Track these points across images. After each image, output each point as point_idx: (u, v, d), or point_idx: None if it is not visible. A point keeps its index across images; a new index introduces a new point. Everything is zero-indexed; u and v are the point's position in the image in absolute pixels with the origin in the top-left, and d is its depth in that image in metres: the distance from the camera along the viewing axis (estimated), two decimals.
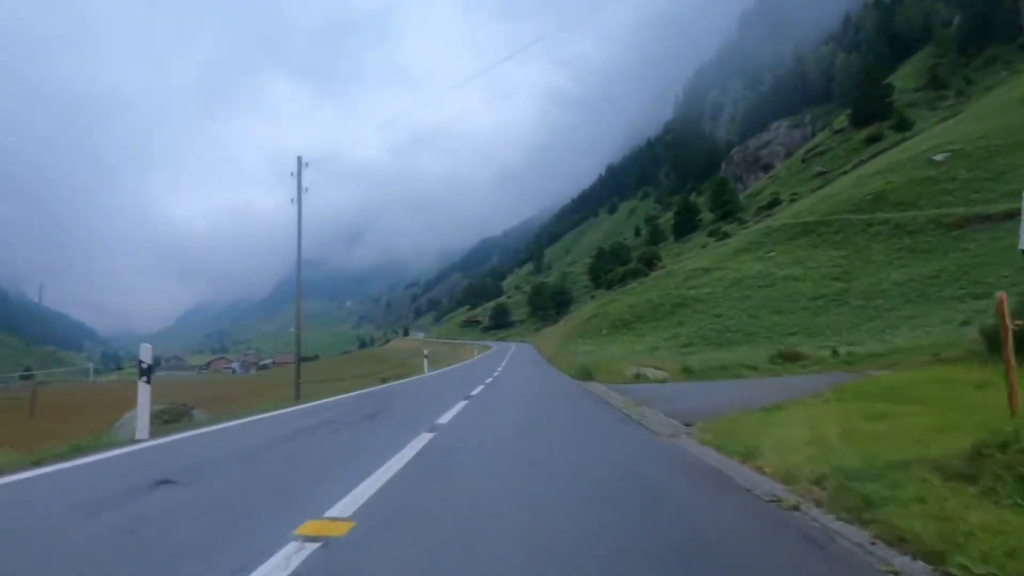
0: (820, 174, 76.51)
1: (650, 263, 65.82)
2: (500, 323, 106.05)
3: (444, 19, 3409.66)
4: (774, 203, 71.60)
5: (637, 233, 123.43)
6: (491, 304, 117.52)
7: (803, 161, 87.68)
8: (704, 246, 67.06)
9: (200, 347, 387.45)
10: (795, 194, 71.35)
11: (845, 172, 68.60)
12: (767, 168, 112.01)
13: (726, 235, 64.68)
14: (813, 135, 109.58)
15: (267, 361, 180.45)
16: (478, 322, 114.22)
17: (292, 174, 18.36)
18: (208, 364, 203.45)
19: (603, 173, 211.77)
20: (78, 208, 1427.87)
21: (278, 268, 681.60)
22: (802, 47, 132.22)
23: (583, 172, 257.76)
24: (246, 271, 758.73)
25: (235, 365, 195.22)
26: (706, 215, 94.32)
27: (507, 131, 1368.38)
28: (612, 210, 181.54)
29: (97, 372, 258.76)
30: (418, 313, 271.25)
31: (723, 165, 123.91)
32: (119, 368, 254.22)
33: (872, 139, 77.73)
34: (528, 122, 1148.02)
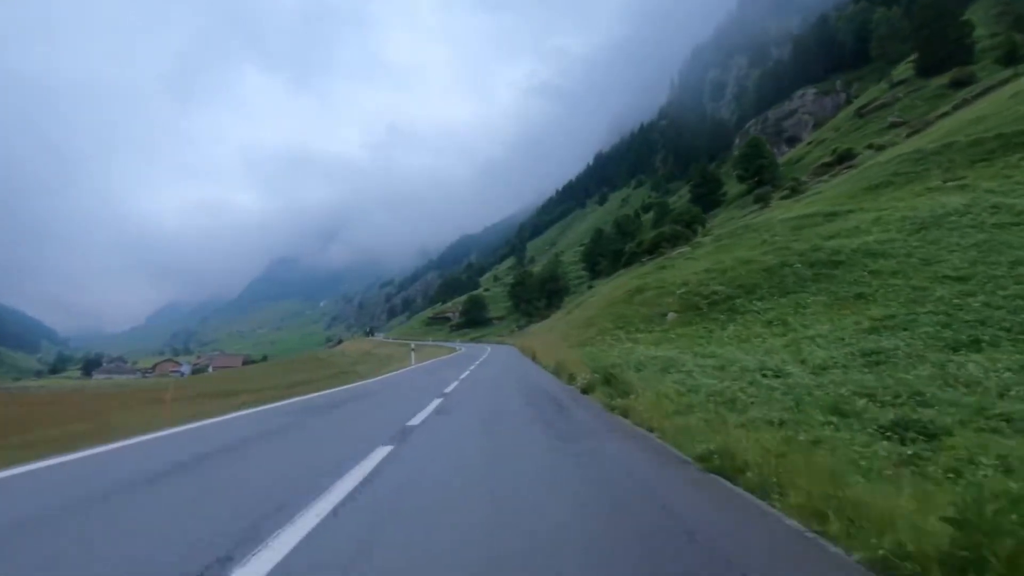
0: (895, 124, 56.79)
1: (690, 225, 45.18)
2: (474, 320, 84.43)
3: (424, 10, 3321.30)
4: (846, 156, 51.44)
5: (637, 217, 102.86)
6: (463, 298, 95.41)
7: (860, 116, 67.93)
8: (762, 208, 46.47)
9: (165, 348, 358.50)
10: (873, 145, 51.40)
11: (945, 113, 48.97)
12: (792, 140, 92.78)
13: (795, 191, 44.30)
14: (849, 100, 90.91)
15: (210, 362, 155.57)
16: (447, 319, 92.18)
17: None
18: (154, 367, 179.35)
19: (591, 163, 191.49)
20: (38, 202, 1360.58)
21: (250, 267, 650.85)
22: (816, 14, 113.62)
23: (567, 166, 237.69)
24: (218, 270, 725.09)
25: (184, 368, 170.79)
26: (732, 186, 74.23)
27: (488, 125, 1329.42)
28: (602, 200, 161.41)
29: (38, 375, 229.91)
30: (392, 313, 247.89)
31: (737, 140, 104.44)
32: (54, 372, 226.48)
33: (958, 83, 58.30)
34: (510, 115, 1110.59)
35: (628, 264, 42.18)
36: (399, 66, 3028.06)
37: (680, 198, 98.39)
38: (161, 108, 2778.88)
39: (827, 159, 56.62)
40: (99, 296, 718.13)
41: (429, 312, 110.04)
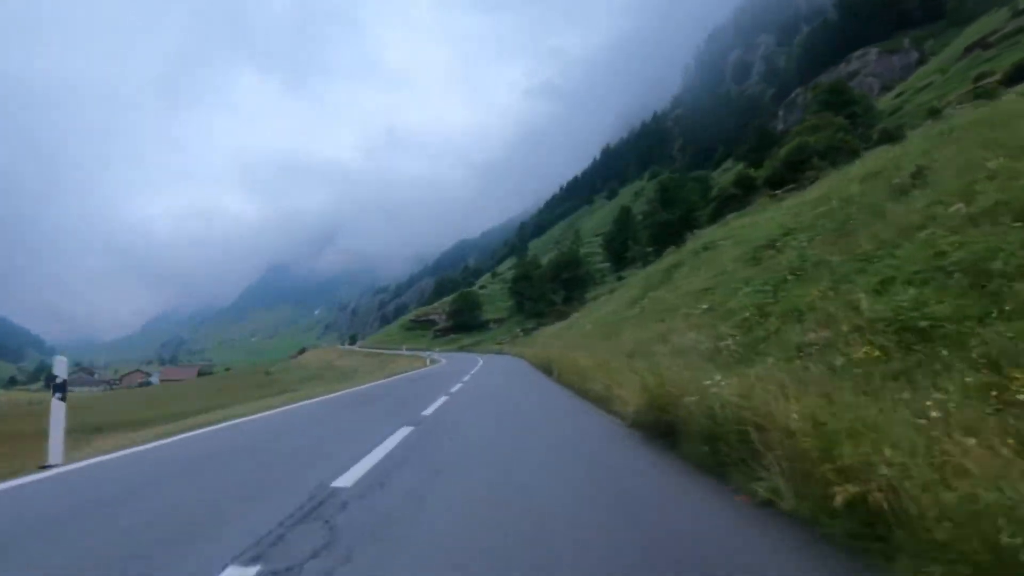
0: None
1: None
2: (465, 323, 65.41)
3: (420, 11, 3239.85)
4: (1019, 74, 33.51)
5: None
6: (450, 297, 75.63)
7: (985, 48, 50.15)
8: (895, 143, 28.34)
9: (155, 356, 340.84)
10: None
11: None
12: None
13: (987, 94, 26.33)
14: (922, 57, 74.17)
15: (151, 375, 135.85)
16: (431, 322, 73.05)
17: None
18: (121, 378, 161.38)
19: (597, 157, 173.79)
20: (27, 208, 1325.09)
21: (245, 274, 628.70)
22: None
23: (569, 166, 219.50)
24: (212, 277, 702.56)
25: (154, 379, 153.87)
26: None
27: (486, 127, 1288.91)
28: (611, 195, 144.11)
29: (7, 385, 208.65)
30: (384, 320, 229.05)
31: (781, 112, 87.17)
32: (12, 383, 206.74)
33: None
34: (508, 117, 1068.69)
35: (718, 217, 24.20)
36: (395, 68, 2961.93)
37: (718, 177, 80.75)
38: (151, 111, 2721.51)
39: (971, 87, 38.74)
40: (93, 305, 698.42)
41: (410, 315, 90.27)
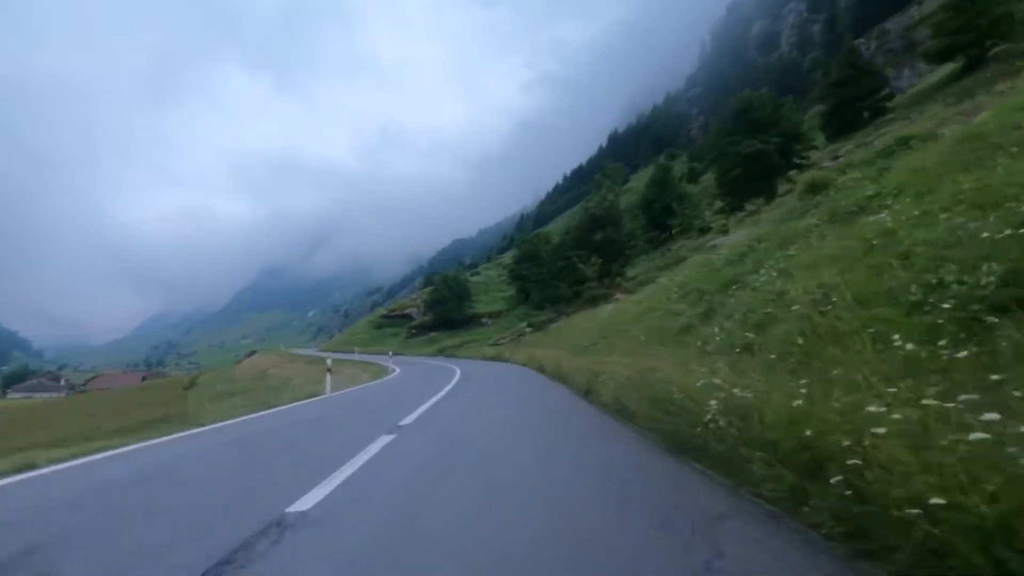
0: None
1: None
2: (450, 317, 49.24)
3: (415, 5, 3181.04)
4: None
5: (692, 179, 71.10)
6: (429, 288, 58.77)
7: None
8: None
9: (145, 360, 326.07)
10: None
11: None
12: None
13: None
14: None
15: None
16: (408, 317, 57.24)
17: None
18: (86, 383, 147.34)
19: (603, 144, 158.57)
20: (14, 208, 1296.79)
21: (237, 277, 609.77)
22: None
23: (570, 162, 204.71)
24: (205, 280, 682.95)
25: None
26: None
27: (483, 124, 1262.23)
28: (622, 181, 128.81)
29: None
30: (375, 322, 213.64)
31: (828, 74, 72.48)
32: None
33: None
34: (506, 113, 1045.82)
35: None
36: (390, 65, 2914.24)
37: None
38: (139, 110, 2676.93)
39: None
40: (86, 307, 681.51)
41: (382, 309, 73.76)
